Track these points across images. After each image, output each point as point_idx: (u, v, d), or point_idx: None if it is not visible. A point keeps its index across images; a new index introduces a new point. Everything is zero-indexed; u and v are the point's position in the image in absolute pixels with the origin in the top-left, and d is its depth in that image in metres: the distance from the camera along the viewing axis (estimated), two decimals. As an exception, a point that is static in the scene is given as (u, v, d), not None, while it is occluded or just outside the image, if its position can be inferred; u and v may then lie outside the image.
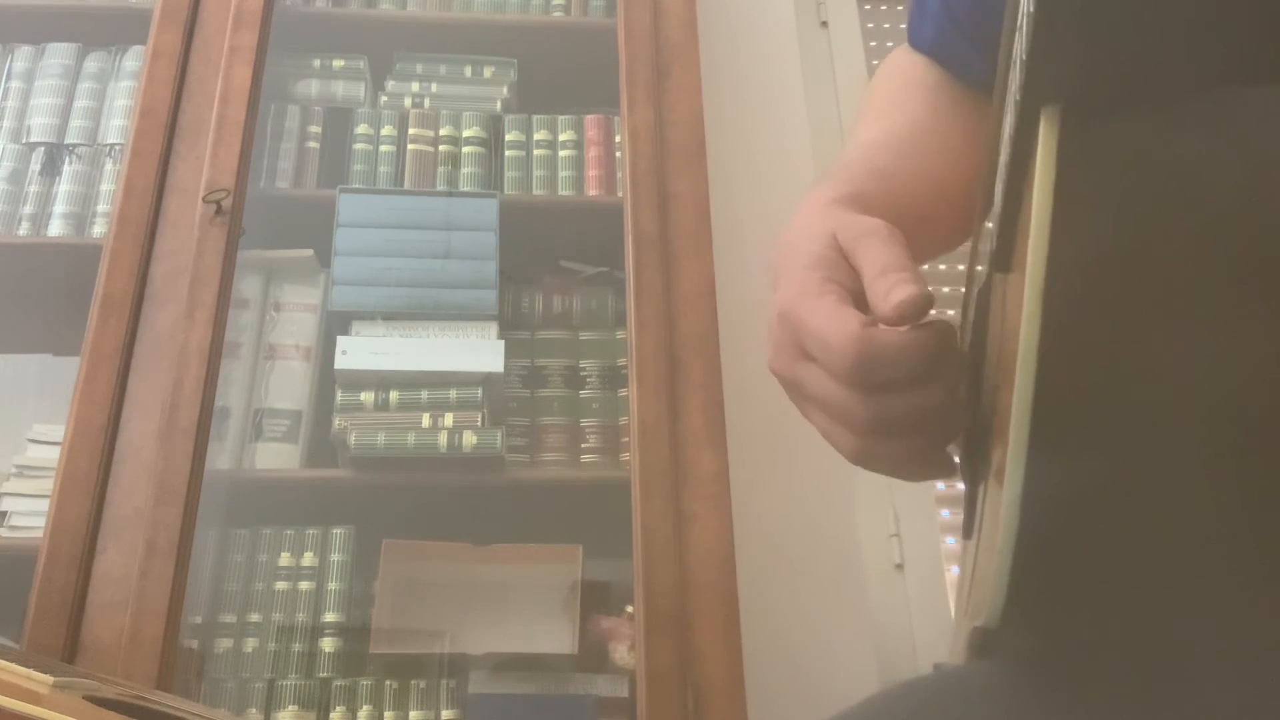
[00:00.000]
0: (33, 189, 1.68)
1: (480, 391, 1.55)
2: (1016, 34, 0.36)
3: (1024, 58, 0.34)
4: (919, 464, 0.52)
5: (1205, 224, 0.34)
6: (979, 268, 0.56)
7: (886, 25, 2.30)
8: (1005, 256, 0.41)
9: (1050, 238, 0.33)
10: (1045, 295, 0.34)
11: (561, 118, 1.80)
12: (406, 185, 1.73)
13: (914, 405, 0.48)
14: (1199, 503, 0.36)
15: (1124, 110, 0.34)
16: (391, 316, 1.60)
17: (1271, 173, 0.34)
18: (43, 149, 1.71)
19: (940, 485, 1.87)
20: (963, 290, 0.61)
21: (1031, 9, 0.33)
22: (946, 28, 0.70)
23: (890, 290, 0.47)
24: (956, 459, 0.53)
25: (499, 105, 1.84)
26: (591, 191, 1.76)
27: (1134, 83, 0.34)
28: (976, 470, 0.50)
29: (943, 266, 2.01)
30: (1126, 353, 0.35)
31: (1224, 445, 0.35)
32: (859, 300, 0.50)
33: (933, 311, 0.48)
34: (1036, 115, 0.35)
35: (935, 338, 0.47)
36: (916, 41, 0.73)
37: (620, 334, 1.67)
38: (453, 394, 1.55)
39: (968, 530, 0.54)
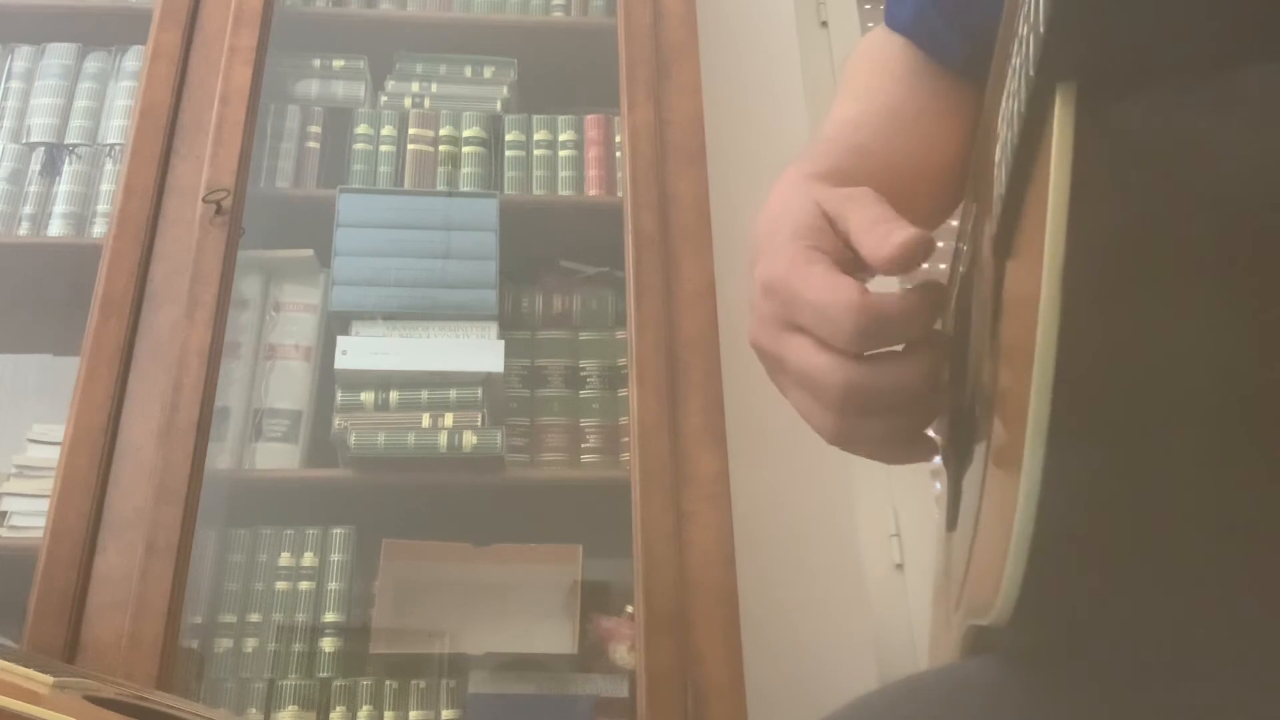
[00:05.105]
0: (33, 189, 1.68)
1: (480, 391, 1.55)
2: (1026, 8, 0.35)
3: (1041, 31, 0.32)
4: (899, 445, 0.51)
5: (1228, 205, 0.33)
6: (963, 250, 0.56)
7: (886, 25, 2.29)
8: (1007, 241, 0.40)
9: (1069, 218, 0.32)
10: (1064, 278, 0.32)
11: (561, 118, 1.80)
12: (406, 185, 1.73)
13: (896, 379, 0.48)
14: (1220, 495, 0.35)
15: (1143, 87, 0.33)
16: (391, 316, 1.60)
17: None
18: (43, 149, 1.71)
19: (939, 485, 1.87)
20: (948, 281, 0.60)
21: None
22: (925, 8, 0.70)
23: (889, 234, 0.47)
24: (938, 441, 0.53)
25: (499, 105, 1.84)
26: (591, 191, 1.76)
27: (1154, 59, 0.33)
28: (962, 462, 0.49)
29: (943, 266, 2.00)
30: (1147, 337, 0.34)
31: (1246, 433, 0.35)
32: (846, 269, 0.49)
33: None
34: (1051, 92, 0.33)
35: (928, 296, 0.47)
36: (894, 22, 0.73)
37: (620, 334, 1.67)
38: (453, 394, 1.55)
39: (951, 523, 0.54)
